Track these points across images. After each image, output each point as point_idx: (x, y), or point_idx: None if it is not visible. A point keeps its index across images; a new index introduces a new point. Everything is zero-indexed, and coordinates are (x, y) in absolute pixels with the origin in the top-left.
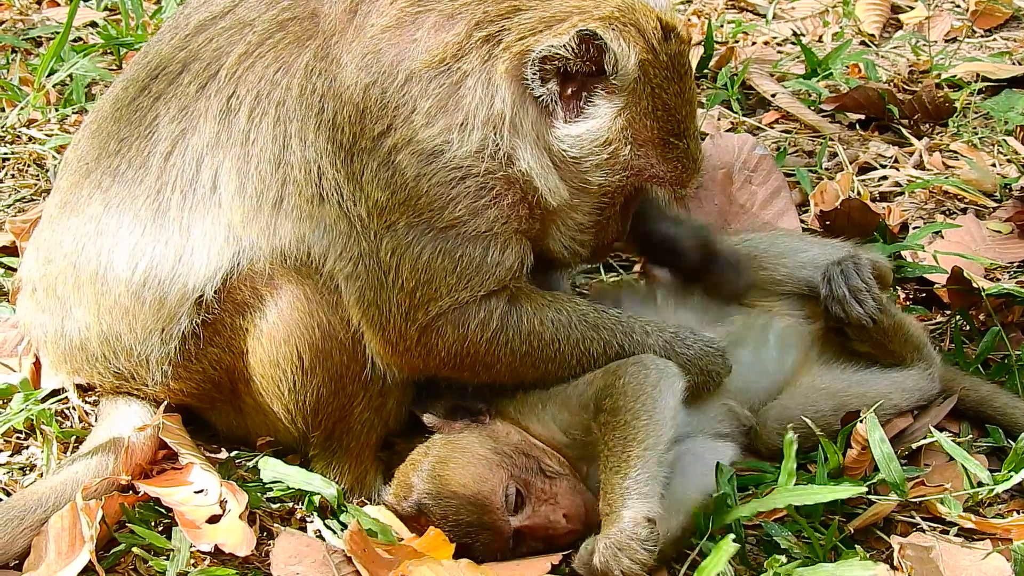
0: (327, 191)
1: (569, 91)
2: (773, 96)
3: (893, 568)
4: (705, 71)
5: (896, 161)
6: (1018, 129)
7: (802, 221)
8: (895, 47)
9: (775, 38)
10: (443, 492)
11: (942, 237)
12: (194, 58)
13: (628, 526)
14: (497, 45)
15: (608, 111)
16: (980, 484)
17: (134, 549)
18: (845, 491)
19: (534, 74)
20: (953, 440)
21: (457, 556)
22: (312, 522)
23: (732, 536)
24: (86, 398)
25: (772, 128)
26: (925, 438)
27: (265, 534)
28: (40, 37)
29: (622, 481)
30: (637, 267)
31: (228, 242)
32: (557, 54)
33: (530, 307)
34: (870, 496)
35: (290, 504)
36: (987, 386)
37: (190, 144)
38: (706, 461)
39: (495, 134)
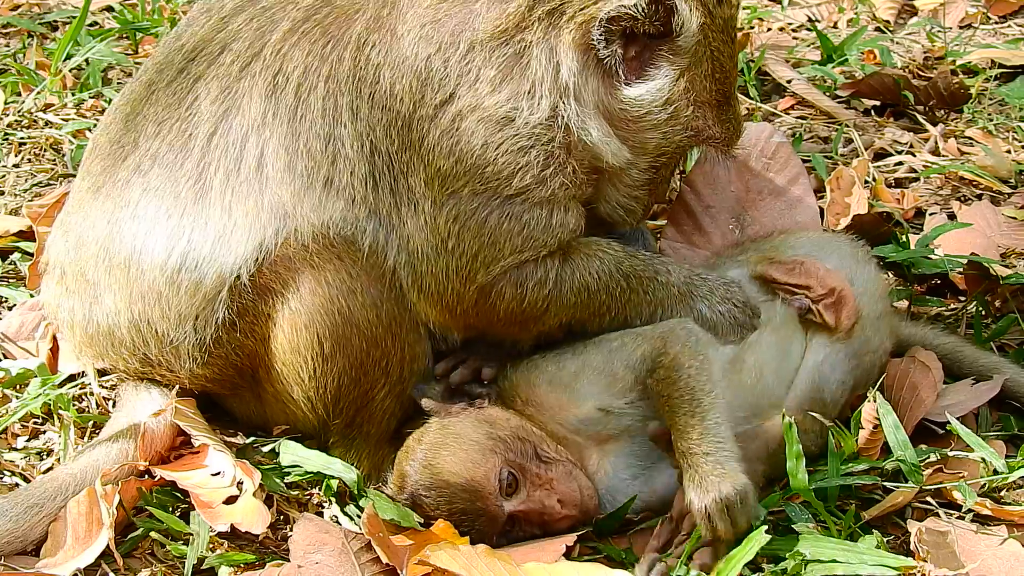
0: (378, 164)
1: (632, 53)
2: (789, 82)
3: (909, 553)
4: None
5: (911, 147)
6: None
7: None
8: (910, 33)
9: (790, 24)
10: (435, 482)
11: (954, 218)
12: (234, 38)
13: (738, 498)
14: (561, 16)
15: (671, 72)
16: (996, 472)
17: (152, 534)
18: (862, 468)
19: (600, 35)
20: (972, 422)
21: None
22: (329, 507)
23: (764, 527)
24: (103, 383)
25: (788, 114)
26: (944, 426)
27: (282, 518)
28: (56, 22)
29: (700, 423)
30: None
31: (272, 220)
32: (627, 14)
33: (580, 260)
34: (887, 484)
35: (308, 489)
36: (1013, 368)
37: (234, 124)
38: None
39: (562, 102)
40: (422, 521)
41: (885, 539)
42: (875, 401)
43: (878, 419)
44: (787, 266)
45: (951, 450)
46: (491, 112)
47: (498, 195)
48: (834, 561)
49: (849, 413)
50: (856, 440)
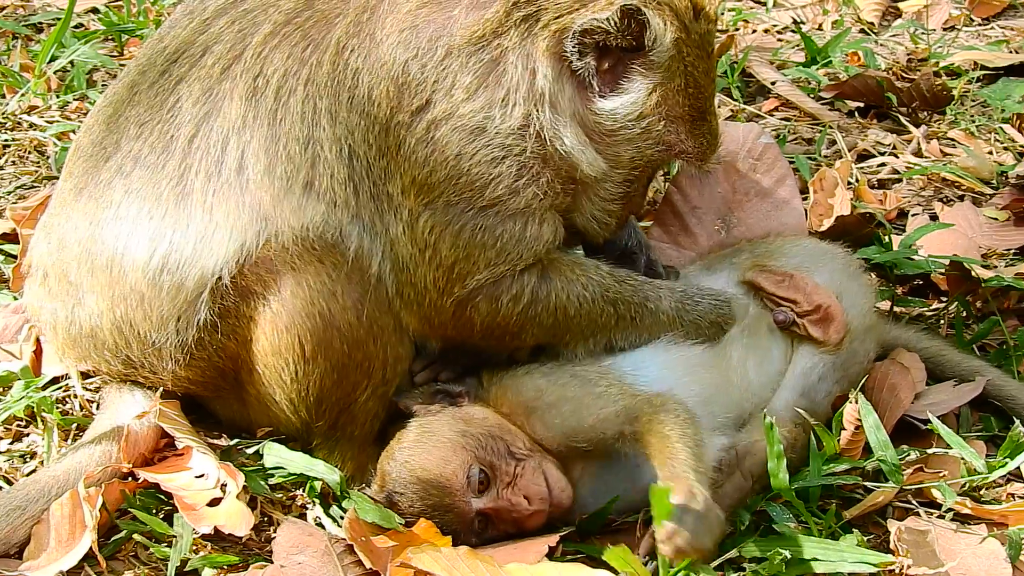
0: (358, 169)
1: (606, 66)
2: (773, 84)
3: (889, 551)
4: None
5: (894, 148)
6: (1015, 117)
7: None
8: (894, 35)
9: (775, 26)
10: (409, 477)
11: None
12: (216, 40)
13: (713, 512)
14: (536, 22)
15: (644, 86)
16: (976, 472)
17: (135, 536)
18: (843, 468)
19: (574, 47)
20: (954, 422)
21: None
22: (313, 509)
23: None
24: (87, 386)
25: (772, 116)
26: (926, 424)
27: (266, 520)
28: (41, 23)
29: (677, 444)
30: None
31: (253, 222)
32: (599, 27)
33: (559, 282)
34: (867, 484)
35: (291, 491)
36: (994, 371)
37: (215, 126)
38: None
39: (536, 111)
40: (403, 522)
41: (866, 538)
42: (856, 402)
43: (860, 420)
44: (776, 277)
45: (931, 448)
46: (465, 121)
47: (472, 206)
48: (815, 559)
49: (831, 413)
50: (838, 440)
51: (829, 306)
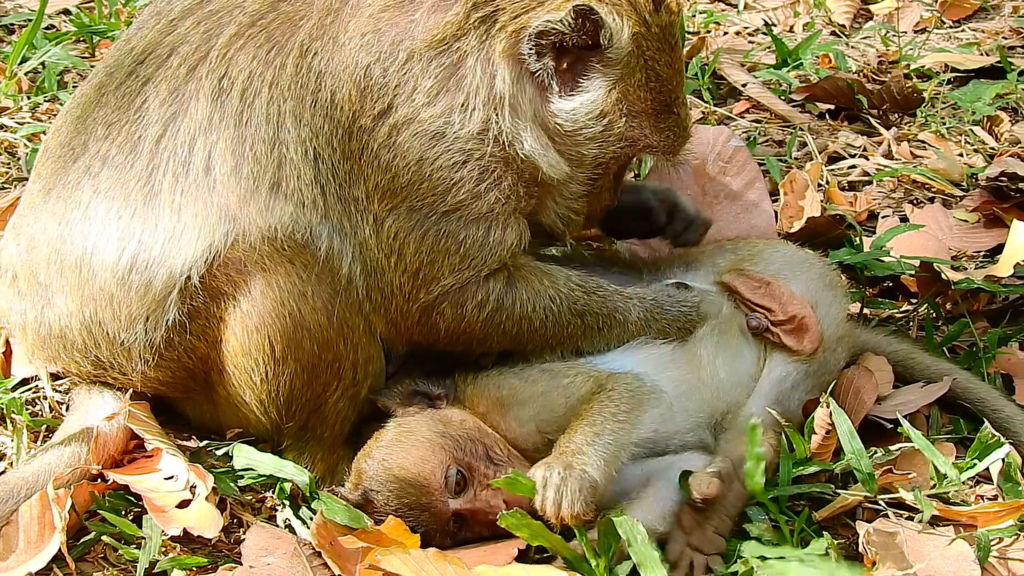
0: (323, 171)
1: (564, 65)
2: (743, 86)
3: (858, 553)
4: None
5: (865, 150)
6: (985, 119)
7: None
8: (865, 37)
9: (746, 28)
10: (387, 476)
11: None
12: (182, 41)
13: (575, 473)
14: (494, 25)
15: (603, 84)
16: (945, 477)
17: (104, 538)
18: (813, 471)
19: (530, 49)
20: (924, 424)
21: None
22: (283, 511)
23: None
24: (56, 387)
25: (742, 118)
26: (892, 424)
27: (235, 522)
28: (12, 24)
29: (579, 441)
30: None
31: (220, 222)
32: (553, 28)
33: (525, 292)
34: (838, 491)
35: (261, 493)
36: (963, 374)
37: (182, 127)
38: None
39: (496, 115)
40: (372, 522)
41: (836, 540)
42: (828, 407)
43: (831, 424)
44: (754, 283)
45: (899, 446)
46: (426, 126)
47: (434, 211)
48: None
49: (803, 418)
50: (808, 445)
51: (804, 317)
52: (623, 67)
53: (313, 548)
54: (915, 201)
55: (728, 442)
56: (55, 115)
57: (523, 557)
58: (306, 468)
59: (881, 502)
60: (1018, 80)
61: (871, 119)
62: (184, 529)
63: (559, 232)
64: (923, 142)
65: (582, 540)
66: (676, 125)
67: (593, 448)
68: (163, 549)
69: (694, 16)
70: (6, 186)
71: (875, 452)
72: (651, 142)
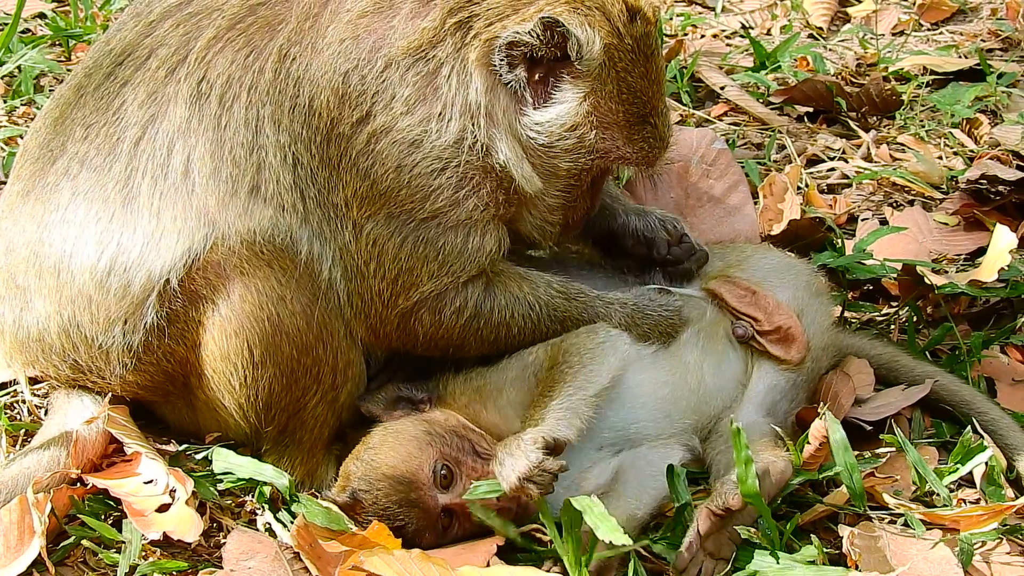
0: (303, 176)
1: (536, 76)
2: (722, 89)
3: (842, 555)
4: None
5: (844, 153)
6: (964, 122)
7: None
8: (843, 40)
9: (724, 31)
10: (374, 475)
11: (886, 224)
12: (161, 44)
13: (525, 439)
14: (468, 32)
15: (574, 96)
16: (926, 482)
17: (84, 542)
18: (799, 480)
19: (501, 60)
20: (906, 427)
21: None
22: (262, 514)
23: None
24: (35, 391)
25: (721, 120)
26: (876, 430)
27: (215, 526)
28: None
29: (539, 411)
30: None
31: (200, 225)
32: (522, 40)
33: (503, 299)
34: (819, 498)
35: (241, 497)
36: (948, 377)
37: (160, 129)
38: (657, 465)
39: (472, 124)
40: (356, 523)
41: (818, 542)
42: (824, 419)
43: (826, 437)
44: (739, 291)
45: (883, 450)
46: (404, 134)
47: (413, 218)
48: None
49: (788, 426)
50: (800, 454)
51: (790, 327)
52: (594, 79)
53: (294, 552)
54: (895, 204)
55: (719, 450)
56: (31, 119)
57: (503, 553)
58: (286, 472)
59: (864, 506)
60: (997, 83)
61: (850, 122)
62: (164, 533)
63: (536, 241)
64: (902, 145)
65: (548, 524)
66: (651, 136)
67: (552, 414)
68: (143, 553)
69: (671, 19)
70: None
71: (856, 455)
72: (623, 154)
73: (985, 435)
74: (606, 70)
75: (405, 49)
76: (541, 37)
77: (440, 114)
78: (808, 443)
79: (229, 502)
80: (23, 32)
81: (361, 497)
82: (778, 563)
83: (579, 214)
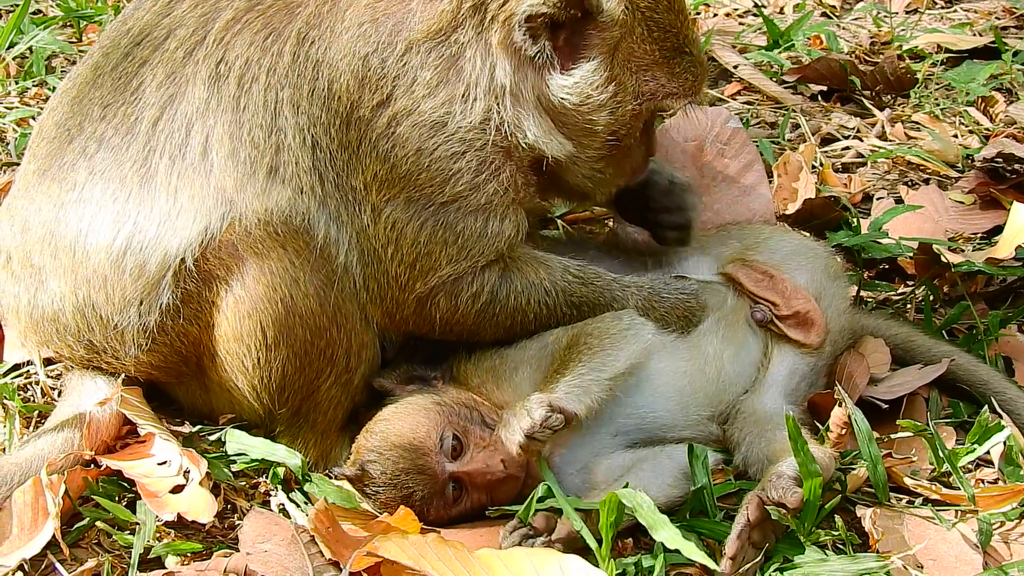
0: (321, 159)
1: (561, 41)
2: (735, 68)
3: (863, 534)
4: None
5: (858, 132)
6: (979, 100)
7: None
8: (856, 18)
9: (736, 10)
10: (383, 444)
11: (902, 203)
12: (179, 24)
13: (530, 399)
14: (485, 13)
15: (605, 48)
16: (945, 463)
17: (98, 523)
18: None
19: (524, 35)
20: (923, 407)
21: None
22: (276, 495)
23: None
24: (49, 372)
25: (734, 100)
26: (892, 408)
27: (229, 507)
28: None
29: (550, 386)
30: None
31: (217, 205)
32: (539, 11)
33: (520, 284)
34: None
35: (254, 478)
36: (965, 356)
37: (179, 110)
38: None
39: (497, 104)
40: (365, 496)
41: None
42: (845, 407)
43: (848, 423)
44: (757, 275)
45: (900, 435)
46: (426, 117)
47: (432, 202)
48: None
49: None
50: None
51: (808, 311)
52: (620, 27)
53: (311, 534)
54: (910, 183)
55: (747, 432)
56: (44, 100)
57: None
58: (299, 453)
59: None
60: (1012, 60)
61: (864, 100)
62: (178, 514)
63: (589, 191)
64: (917, 123)
65: (574, 520)
66: (692, 64)
67: (562, 387)
68: (157, 535)
69: None
70: None
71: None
72: (670, 90)
73: (1003, 415)
74: (630, 14)
75: (425, 32)
76: (557, 3)
77: (464, 95)
78: (830, 431)
79: (243, 483)
80: (34, 13)
81: (370, 468)
82: (825, 556)
83: (639, 160)
